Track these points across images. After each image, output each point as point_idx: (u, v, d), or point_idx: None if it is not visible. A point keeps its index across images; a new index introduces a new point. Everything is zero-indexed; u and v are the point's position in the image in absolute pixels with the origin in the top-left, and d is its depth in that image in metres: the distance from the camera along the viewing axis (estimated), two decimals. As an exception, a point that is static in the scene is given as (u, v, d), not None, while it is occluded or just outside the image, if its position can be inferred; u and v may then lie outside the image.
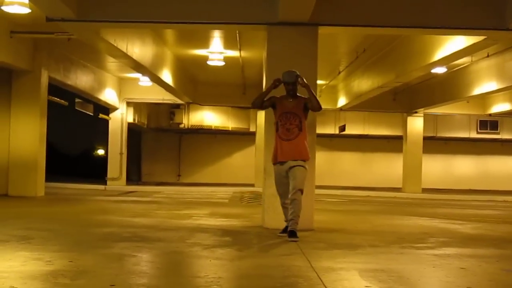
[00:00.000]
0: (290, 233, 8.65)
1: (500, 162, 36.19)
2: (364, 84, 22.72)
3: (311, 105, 9.07)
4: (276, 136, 9.14)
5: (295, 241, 8.43)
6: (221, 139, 35.00)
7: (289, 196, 8.84)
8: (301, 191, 8.80)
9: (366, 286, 5.51)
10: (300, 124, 9.01)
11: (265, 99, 9.33)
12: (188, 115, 30.91)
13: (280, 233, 9.25)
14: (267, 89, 9.48)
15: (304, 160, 8.97)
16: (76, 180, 29.76)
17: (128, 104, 27.72)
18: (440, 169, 35.30)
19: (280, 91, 9.31)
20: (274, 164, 9.18)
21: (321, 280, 5.66)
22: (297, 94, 9.18)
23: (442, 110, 28.11)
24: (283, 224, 9.51)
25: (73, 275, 5.64)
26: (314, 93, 9.24)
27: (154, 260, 7.12)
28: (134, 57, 15.68)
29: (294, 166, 8.86)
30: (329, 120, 31.34)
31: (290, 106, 9.08)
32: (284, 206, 9.19)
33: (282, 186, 9.12)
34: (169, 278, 5.94)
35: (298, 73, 9.15)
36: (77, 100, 24.26)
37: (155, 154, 35.72)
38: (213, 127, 31.86)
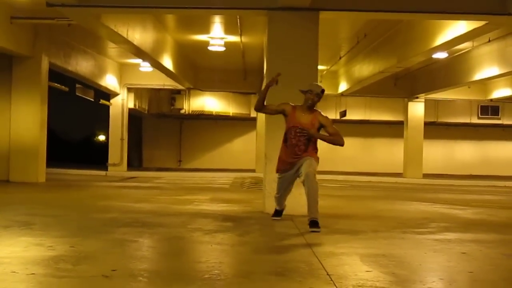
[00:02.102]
0: (313, 223, 8.18)
1: (501, 148, 36.20)
2: (365, 69, 22.69)
3: (336, 143, 8.66)
4: (283, 146, 8.78)
5: (317, 231, 8.01)
6: (222, 124, 35.00)
7: (304, 182, 8.38)
8: (316, 180, 8.39)
9: (367, 271, 5.52)
10: (308, 142, 8.57)
11: (277, 107, 8.82)
12: (189, 101, 30.89)
13: (273, 216, 9.47)
14: (265, 88, 8.91)
15: (312, 156, 8.58)
16: (77, 166, 29.76)
17: (129, 89, 27.71)
18: (441, 154, 35.34)
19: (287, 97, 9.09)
20: (279, 172, 8.94)
21: (322, 265, 5.67)
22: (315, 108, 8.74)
23: (443, 95, 28.08)
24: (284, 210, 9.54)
25: (75, 260, 5.64)
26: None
27: (155, 245, 7.13)
28: (135, 42, 15.64)
29: (304, 160, 8.51)
30: (330, 106, 31.29)
31: (303, 121, 8.57)
32: (278, 198, 9.25)
33: (287, 186, 9.01)
34: (170, 263, 5.95)
35: (323, 89, 8.78)
36: (77, 86, 24.23)
37: (156, 139, 35.73)
38: (214, 113, 31.85)
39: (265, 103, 8.87)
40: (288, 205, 9.74)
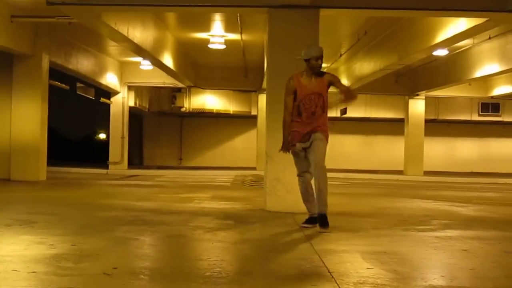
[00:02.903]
0: (322, 218, 7.91)
1: (502, 145, 36.17)
2: (366, 66, 22.68)
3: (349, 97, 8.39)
4: (296, 120, 8.26)
5: (326, 231, 7.77)
6: (223, 122, 34.98)
7: (313, 172, 8.12)
8: (323, 168, 8.08)
9: (368, 268, 5.52)
10: (323, 104, 8.30)
11: (291, 94, 8.27)
12: (190, 99, 30.85)
13: (304, 223, 8.39)
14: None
15: (323, 134, 8.28)
16: (78, 165, 29.78)
17: (130, 88, 27.70)
18: (441, 151, 35.32)
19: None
20: (297, 145, 8.27)
21: (324, 262, 5.67)
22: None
23: (443, 92, 28.08)
24: (284, 207, 9.53)
25: (76, 258, 5.65)
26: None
27: (156, 243, 7.14)
28: (135, 40, 15.63)
29: (314, 139, 8.17)
30: (330, 103, 31.24)
31: (313, 86, 8.24)
32: (302, 183, 8.42)
33: (306, 163, 8.33)
34: (172, 261, 5.96)
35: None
36: (78, 84, 24.23)
37: (156, 138, 35.73)
38: (214, 111, 31.80)
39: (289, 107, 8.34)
40: (289, 202, 9.75)
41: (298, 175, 8.45)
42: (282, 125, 8.36)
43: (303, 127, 8.21)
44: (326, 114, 8.42)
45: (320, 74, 8.29)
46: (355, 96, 8.40)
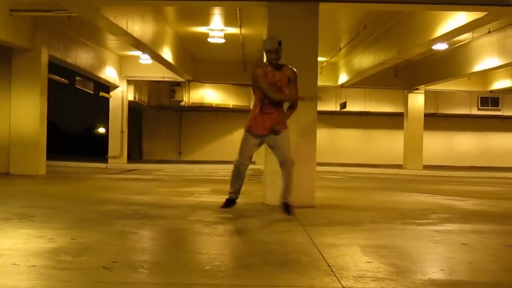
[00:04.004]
0: (287, 206, 8.56)
1: (501, 139, 36.20)
2: (365, 61, 22.68)
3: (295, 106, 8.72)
4: (258, 106, 8.66)
5: (289, 214, 8.39)
6: (222, 116, 34.97)
7: (282, 168, 8.56)
8: (293, 162, 8.53)
9: (367, 262, 5.52)
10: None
11: (265, 80, 8.53)
12: (189, 93, 30.87)
13: (223, 207, 9.04)
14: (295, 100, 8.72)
15: (286, 128, 8.64)
16: (77, 159, 29.78)
17: (129, 82, 27.69)
18: (441, 145, 35.34)
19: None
20: (249, 133, 8.73)
21: (323, 256, 5.68)
22: (279, 62, 8.64)
23: (443, 86, 28.10)
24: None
25: (76, 252, 5.65)
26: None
27: (156, 237, 7.14)
28: (135, 34, 15.63)
29: (279, 136, 8.55)
30: (330, 97, 31.28)
31: (276, 79, 8.55)
32: (237, 168, 8.92)
33: (250, 152, 8.84)
34: (171, 255, 5.95)
35: (280, 39, 8.60)
36: (77, 78, 24.20)
37: (156, 132, 35.73)
38: (213, 105, 31.81)
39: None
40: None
41: (238, 164, 8.88)
42: (281, 103, 8.66)
43: (263, 119, 8.56)
44: (283, 110, 8.72)
45: (279, 66, 8.57)
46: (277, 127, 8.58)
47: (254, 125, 8.67)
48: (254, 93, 8.83)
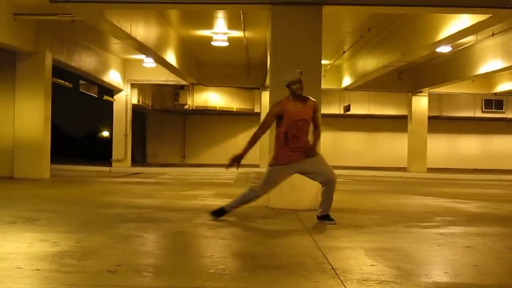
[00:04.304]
0: (328, 216, 8.39)
1: (505, 141, 36.15)
2: (369, 63, 22.67)
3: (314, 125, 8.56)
4: (282, 143, 8.32)
5: (334, 223, 8.25)
6: (226, 119, 35.00)
7: (328, 185, 8.34)
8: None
9: (372, 265, 5.52)
10: (308, 130, 8.42)
11: (272, 118, 8.35)
12: (193, 96, 30.90)
13: (214, 214, 8.67)
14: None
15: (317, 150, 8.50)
16: (81, 162, 29.81)
17: (133, 85, 27.74)
18: (445, 148, 35.31)
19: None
20: (276, 165, 8.41)
21: (327, 259, 5.68)
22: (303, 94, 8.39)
23: (447, 89, 28.05)
24: (288, 204, 9.55)
25: (80, 255, 5.66)
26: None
27: (160, 240, 7.14)
28: (138, 38, 15.64)
29: (314, 158, 8.35)
30: (334, 100, 31.31)
31: (301, 112, 8.28)
32: (258, 194, 8.68)
33: (280, 180, 8.63)
34: (175, 258, 5.96)
35: (300, 70, 8.41)
36: (81, 82, 24.23)
37: (159, 135, 35.76)
38: (217, 108, 31.84)
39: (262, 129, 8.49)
40: (292, 200, 9.74)
41: (261, 192, 8.68)
42: (252, 137, 8.39)
43: (292, 154, 8.32)
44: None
45: (304, 99, 8.38)
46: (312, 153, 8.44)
47: (282, 157, 8.39)
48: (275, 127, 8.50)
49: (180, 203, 11.14)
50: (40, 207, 9.88)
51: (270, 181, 8.57)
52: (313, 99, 8.55)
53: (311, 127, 8.49)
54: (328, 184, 8.35)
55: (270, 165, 8.51)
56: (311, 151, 8.35)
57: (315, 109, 8.49)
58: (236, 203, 8.72)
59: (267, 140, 11.06)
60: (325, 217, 8.36)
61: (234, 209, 8.68)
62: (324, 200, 8.40)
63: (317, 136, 8.57)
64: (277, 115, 8.32)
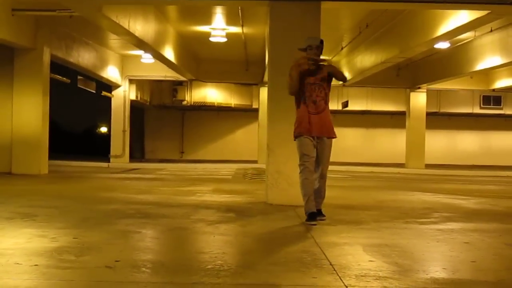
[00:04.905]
0: (320, 212, 8.20)
1: (503, 138, 36.15)
2: (367, 59, 22.66)
3: (339, 78, 8.65)
4: (302, 108, 8.26)
5: (324, 219, 8.10)
6: (224, 115, 34.98)
7: (317, 180, 8.20)
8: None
9: (370, 261, 5.53)
10: (326, 97, 8.37)
11: (297, 77, 8.25)
12: (191, 92, 30.85)
13: (308, 220, 7.96)
14: (297, 78, 8.30)
15: (333, 138, 8.39)
16: (79, 158, 29.80)
17: (131, 81, 27.70)
18: (443, 144, 35.31)
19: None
20: (303, 137, 8.15)
21: (325, 255, 5.68)
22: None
23: (445, 85, 28.05)
24: (286, 200, 9.59)
25: (78, 251, 5.66)
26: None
27: (158, 236, 7.14)
28: (137, 34, 15.61)
29: (326, 145, 8.24)
30: (332, 96, 30.92)
31: (315, 77, 8.30)
32: (307, 175, 8.08)
33: (313, 156, 8.19)
34: (174, 254, 5.96)
35: (322, 39, 8.51)
36: (79, 77, 24.21)
37: (158, 131, 35.73)
38: (216, 104, 31.79)
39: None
40: (291, 195, 9.75)
41: (301, 165, 8.15)
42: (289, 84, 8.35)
43: (310, 119, 8.20)
44: (329, 110, 8.48)
45: (318, 66, 8.35)
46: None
47: (301, 125, 8.26)
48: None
49: (178, 199, 11.15)
50: (38, 203, 9.89)
51: (305, 150, 8.17)
52: (327, 64, 8.61)
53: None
54: (318, 180, 8.27)
55: (295, 137, 8.28)
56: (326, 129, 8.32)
57: (330, 71, 8.50)
58: (304, 198, 8.14)
59: (265, 138, 11.09)
60: (318, 213, 8.25)
61: (311, 204, 8.06)
62: (315, 196, 8.25)
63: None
64: (298, 69, 8.27)
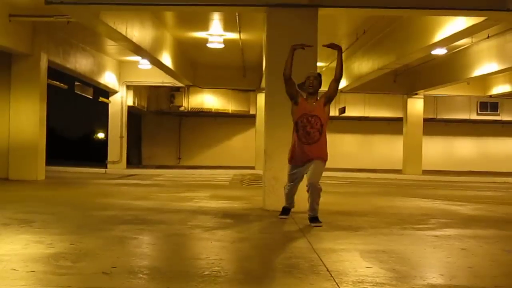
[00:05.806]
0: (314, 219, 8.39)
1: (500, 144, 36.17)
2: (364, 66, 22.68)
3: (336, 72, 8.86)
4: (294, 137, 8.66)
5: (320, 226, 8.24)
6: (221, 121, 34.97)
7: (307, 188, 8.48)
8: (319, 187, 8.48)
9: (367, 267, 5.53)
10: (321, 128, 8.54)
11: (295, 91, 8.72)
12: (188, 98, 30.86)
13: (280, 215, 9.21)
14: (290, 51, 8.92)
15: (324, 159, 8.64)
16: (77, 164, 29.77)
17: (128, 87, 27.70)
18: (440, 150, 35.32)
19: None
20: (292, 164, 8.80)
21: (322, 261, 5.68)
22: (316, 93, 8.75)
23: (442, 91, 28.08)
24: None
25: (75, 257, 5.65)
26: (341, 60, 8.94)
27: (155, 242, 7.14)
28: (134, 40, 15.62)
29: (315, 162, 8.51)
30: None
31: (312, 107, 8.56)
32: (289, 190, 9.02)
33: (297, 179, 8.90)
34: (170, 260, 5.95)
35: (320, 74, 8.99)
36: (76, 83, 24.18)
37: (155, 137, 35.72)
38: (213, 110, 31.80)
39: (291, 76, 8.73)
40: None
41: (288, 185, 9.10)
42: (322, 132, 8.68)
43: (302, 150, 8.58)
44: (325, 140, 8.71)
45: (316, 98, 8.71)
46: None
47: (293, 154, 8.79)
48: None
49: (175, 205, 11.14)
50: (35, 209, 9.87)
51: (290, 178, 8.97)
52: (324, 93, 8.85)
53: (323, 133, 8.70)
54: (309, 188, 8.49)
55: (288, 162, 8.96)
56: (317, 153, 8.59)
57: (325, 95, 8.76)
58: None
59: (262, 144, 11.10)
60: (312, 220, 8.43)
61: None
62: (309, 204, 8.53)
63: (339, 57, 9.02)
64: (295, 95, 8.72)
